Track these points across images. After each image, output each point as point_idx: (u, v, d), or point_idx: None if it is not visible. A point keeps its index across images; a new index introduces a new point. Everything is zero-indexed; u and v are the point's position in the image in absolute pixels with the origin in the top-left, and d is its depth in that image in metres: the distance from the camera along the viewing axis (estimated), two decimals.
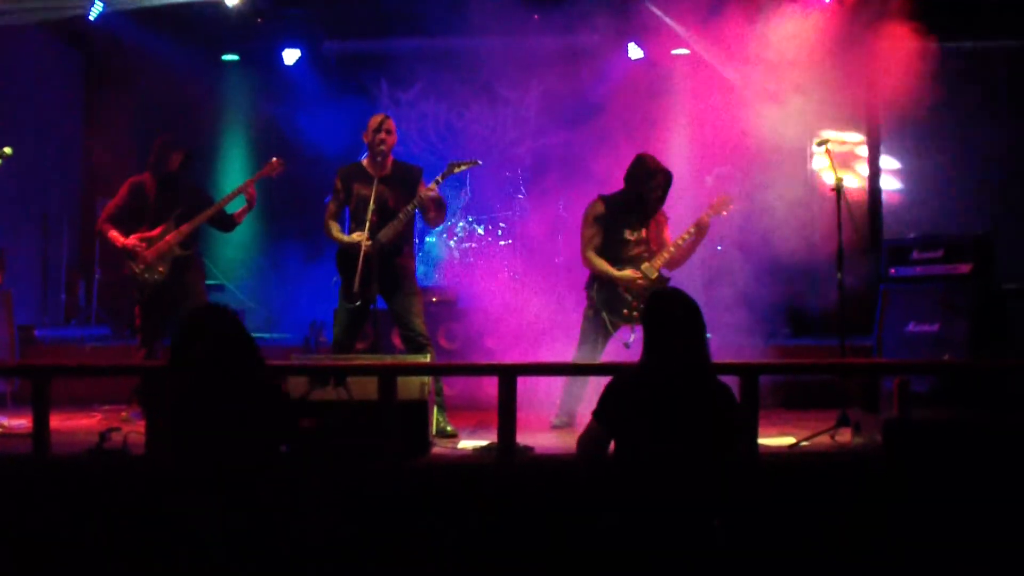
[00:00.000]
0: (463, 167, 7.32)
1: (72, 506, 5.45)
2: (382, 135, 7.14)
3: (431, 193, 7.06)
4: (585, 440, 4.56)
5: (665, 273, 7.43)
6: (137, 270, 7.71)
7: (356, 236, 7.07)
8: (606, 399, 4.48)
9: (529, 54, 11.98)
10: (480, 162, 7.67)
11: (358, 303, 7.05)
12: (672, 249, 7.35)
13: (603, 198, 7.51)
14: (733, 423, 4.43)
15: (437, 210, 7.25)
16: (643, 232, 7.45)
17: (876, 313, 8.30)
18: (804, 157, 7.87)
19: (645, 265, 7.33)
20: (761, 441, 6.01)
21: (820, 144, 7.24)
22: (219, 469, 4.10)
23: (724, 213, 7.40)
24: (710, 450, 4.31)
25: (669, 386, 4.33)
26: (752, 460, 5.69)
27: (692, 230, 7.35)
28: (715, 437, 4.33)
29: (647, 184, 7.32)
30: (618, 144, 8.79)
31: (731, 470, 4.39)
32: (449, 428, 6.92)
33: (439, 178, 7.11)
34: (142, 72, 11.55)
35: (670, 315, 4.44)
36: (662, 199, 7.43)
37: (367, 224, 6.98)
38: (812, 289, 8.86)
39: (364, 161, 7.33)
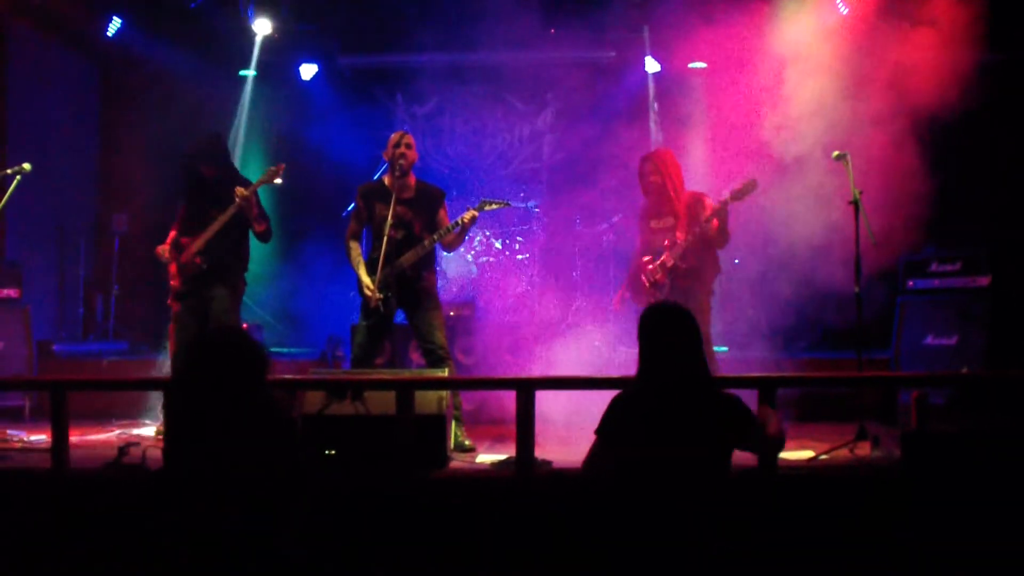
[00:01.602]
0: (494, 206, 7.39)
1: (91, 520, 5.45)
2: (402, 150, 7.15)
3: (453, 234, 7.20)
4: (590, 459, 4.50)
5: (669, 262, 7.50)
6: (171, 281, 7.71)
7: (368, 290, 7.11)
8: (607, 416, 4.44)
9: (545, 68, 12.00)
10: (511, 203, 7.85)
11: (375, 320, 7.08)
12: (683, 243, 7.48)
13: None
14: (744, 432, 4.34)
15: (459, 241, 7.36)
16: (670, 220, 7.59)
17: (894, 326, 8.26)
18: (822, 170, 7.82)
19: (664, 255, 7.49)
20: (780, 454, 5.98)
21: (838, 158, 7.21)
22: (219, 485, 4.11)
23: (745, 198, 7.41)
24: (712, 462, 4.28)
25: (667, 400, 4.28)
26: (769, 468, 5.68)
27: (711, 212, 7.44)
28: (718, 447, 4.29)
29: (641, 171, 7.72)
30: (635, 158, 8.78)
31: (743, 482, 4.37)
32: (467, 442, 6.92)
33: (466, 217, 7.13)
34: (158, 87, 11.58)
35: (664, 328, 4.38)
36: (662, 183, 7.59)
37: (384, 243, 6.99)
38: (830, 302, 8.82)
39: (385, 178, 7.33)
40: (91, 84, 12.32)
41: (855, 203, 7.04)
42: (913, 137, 7.80)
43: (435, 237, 7.14)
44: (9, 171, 7.18)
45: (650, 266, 7.59)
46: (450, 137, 12.82)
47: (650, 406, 4.31)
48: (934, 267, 8.22)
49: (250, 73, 12.14)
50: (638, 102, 11.71)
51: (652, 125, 11.60)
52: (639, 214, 7.94)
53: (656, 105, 11.55)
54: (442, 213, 7.33)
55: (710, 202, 7.55)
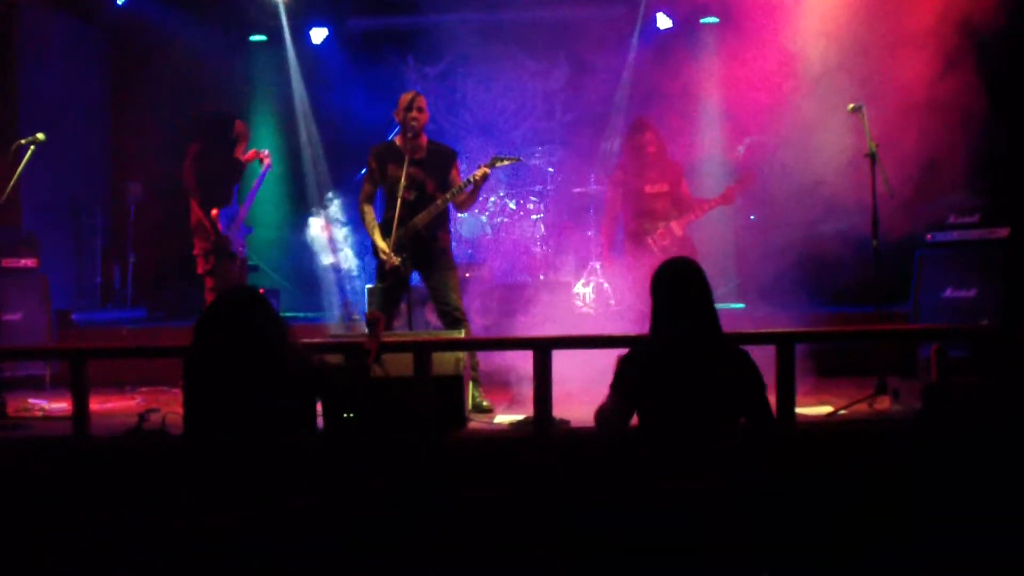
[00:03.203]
0: (505, 163, 7.34)
1: (112, 486, 5.49)
2: (414, 113, 7.10)
3: (466, 192, 7.20)
4: (603, 413, 4.54)
5: (679, 231, 8.03)
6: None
7: (383, 254, 7.09)
8: (621, 371, 4.46)
9: (557, 26, 11.93)
10: (522, 158, 7.94)
11: (391, 282, 7.08)
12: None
13: (619, 164, 8.50)
14: (755, 386, 4.36)
15: (472, 200, 7.34)
16: (664, 186, 8.05)
17: (912, 279, 8.22)
18: (838, 124, 7.75)
19: (673, 223, 8.01)
20: (799, 410, 5.97)
21: (854, 110, 7.14)
22: (243, 447, 4.13)
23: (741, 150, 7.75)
24: (727, 416, 4.31)
25: (681, 354, 4.30)
26: (783, 423, 5.69)
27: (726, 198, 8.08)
28: (733, 402, 4.32)
29: (639, 138, 8.09)
30: (648, 115, 8.73)
31: (755, 434, 4.36)
32: (485, 403, 6.93)
33: (478, 174, 7.09)
34: (169, 55, 11.54)
35: (676, 283, 4.39)
36: (659, 151, 8.08)
37: (398, 204, 6.97)
38: (847, 256, 8.76)
39: (396, 139, 7.29)
40: (102, 53, 12.30)
41: (872, 156, 6.99)
42: (932, 92, 7.70)
43: (448, 196, 7.12)
44: (23, 141, 7.17)
45: (659, 230, 8.00)
46: (462, 97, 12.76)
47: (668, 362, 4.31)
48: (952, 219, 8.15)
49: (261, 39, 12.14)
50: (651, 59, 11.62)
51: (664, 82, 11.51)
52: (625, 176, 8.23)
53: (666, 62, 11.47)
54: (454, 173, 7.30)
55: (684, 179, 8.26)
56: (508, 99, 12.75)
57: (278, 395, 4.22)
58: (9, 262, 8.82)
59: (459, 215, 11.19)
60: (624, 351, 4.52)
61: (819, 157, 8.08)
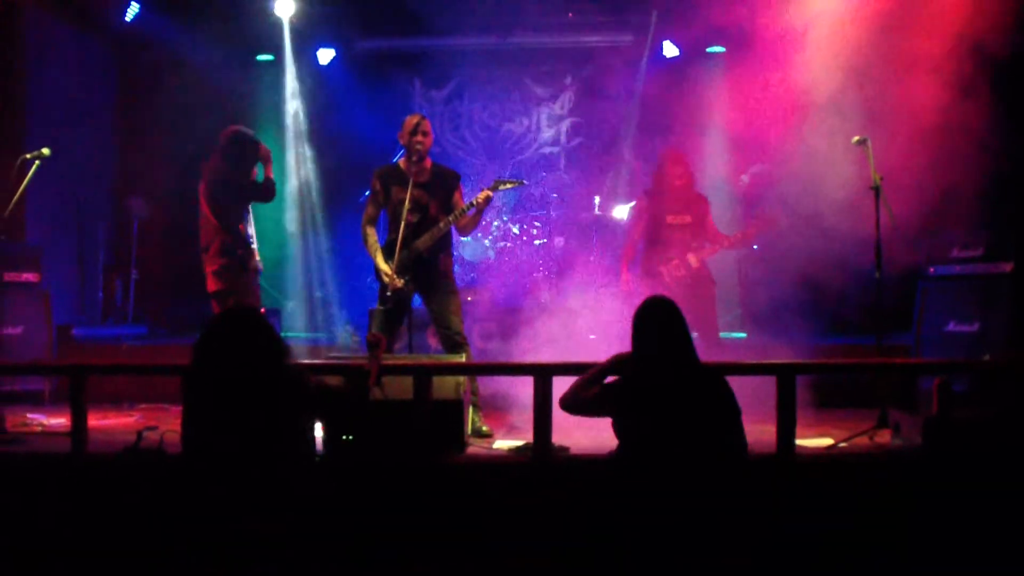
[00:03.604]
0: (508, 186, 7.36)
1: (109, 503, 5.47)
2: (419, 137, 7.08)
3: (469, 215, 7.20)
4: (585, 391, 4.85)
5: (695, 263, 8.10)
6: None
7: (386, 277, 7.08)
8: (620, 385, 4.70)
9: (564, 52, 11.96)
10: (525, 182, 7.95)
11: (392, 304, 7.08)
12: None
13: (645, 191, 8.50)
14: (732, 412, 4.58)
15: (475, 224, 7.35)
16: (687, 218, 8.13)
17: (915, 312, 8.20)
18: (842, 156, 7.75)
19: (690, 255, 8.07)
20: (799, 442, 5.95)
21: (859, 143, 7.14)
22: (241, 465, 4.12)
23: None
24: (707, 440, 4.48)
25: (671, 384, 4.55)
26: (783, 454, 5.73)
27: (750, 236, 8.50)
28: (712, 427, 4.51)
29: (668, 169, 8.19)
30: (652, 142, 8.76)
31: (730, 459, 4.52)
32: (484, 428, 6.91)
33: (480, 197, 7.09)
34: (176, 72, 11.56)
35: (666, 319, 4.71)
36: (688, 184, 8.21)
37: (402, 227, 6.97)
38: (848, 288, 8.75)
39: (400, 162, 7.29)
40: (109, 69, 12.31)
41: (876, 188, 6.99)
42: (940, 122, 7.70)
43: (451, 219, 7.12)
44: (28, 156, 7.18)
45: (674, 261, 8.07)
46: (468, 121, 12.81)
47: (654, 390, 4.54)
48: (956, 252, 8.14)
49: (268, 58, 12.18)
50: (656, 87, 11.64)
51: (670, 110, 11.53)
52: (648, 205, 8.33)
53: (672, 90, 11.49)
54: (457, 196, 7.30)
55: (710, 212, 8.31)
56: (514, 124, 12.79)
57: (276, 415, 4.21)
58: (11, 276, 8.80)
59: (462, 239, 11.21)
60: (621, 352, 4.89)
61: (823, 187, 8.08)
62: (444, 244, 7.31)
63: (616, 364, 4.88)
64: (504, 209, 11.68)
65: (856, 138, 7.15)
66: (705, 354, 6.99)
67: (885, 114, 7.85)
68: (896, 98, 7.89)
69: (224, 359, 4.23)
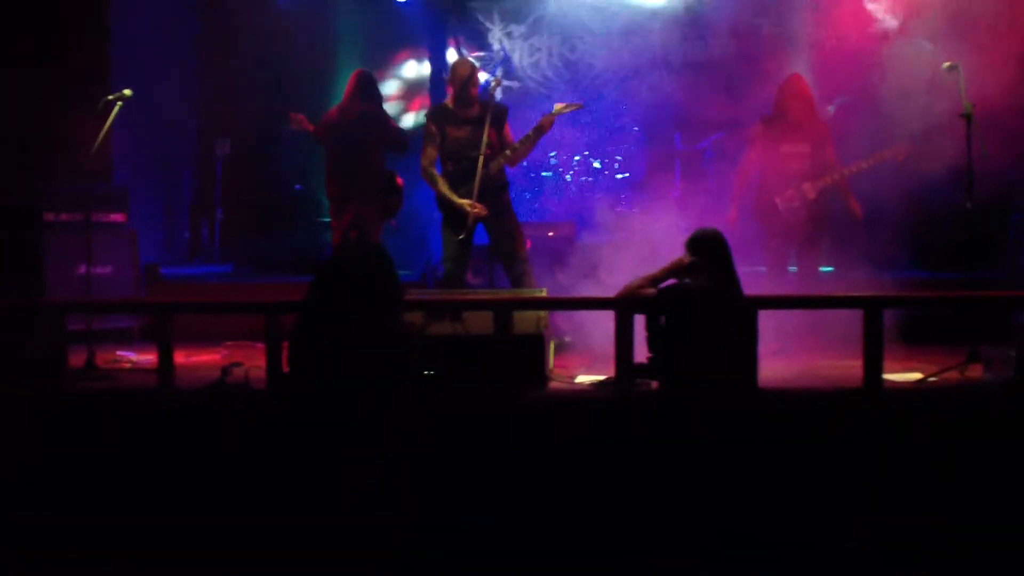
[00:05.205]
0: (567, 109, 7.48)
1: (195, 438, 5.56)
2: (471, 88, 7.38)
3: (531, 142, 7.43)
4: (643, 290, 5.60)
5: (811, 194, 7.72)
6: None
7: (468, 206, 7.19)
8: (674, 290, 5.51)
9: None
10: (583, 104, 7.92)
11: (462, 236, 7.21)
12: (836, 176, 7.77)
13: (761, 118, 8.11)
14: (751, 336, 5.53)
15: (526, 153, 7.58)
16: (805, 147, 7.75)
17: (1008, 246, 8.00)
18: (932, 84, 7.55)
19: (806, 184, 7.69)
20: (886, 376, 5.86)
21: (950, 69, 6.91)
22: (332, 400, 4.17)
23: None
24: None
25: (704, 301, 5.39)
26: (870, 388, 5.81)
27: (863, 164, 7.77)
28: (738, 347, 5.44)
29: (788, 91, 7.84)
30: (736, 72, 8.59)
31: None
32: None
33: (543, 122, 7.29)
34: (256, 13, 11.59)
35: (709, 246, 5.49)
36: (805, 107, 7.81)
37: (461, 161, 7.23)
38: (938, 220, 8.54)
39: (447, 102, 7.54)
40: (192, 8, 12.34)
41: (967, 116, 6.77)
42: None
43: (516, 146, 7.36)
44: (111, 97, 7.26)
45: (789, 191, 7.72)
46: (547, 55, 12.64)
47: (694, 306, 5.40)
48: None
49: None
50: (740, 17, 11.37)
51: (753, 41, 11.29)
52: (760, 132, 7.95)
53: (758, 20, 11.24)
54: (507, 128, 7.53)
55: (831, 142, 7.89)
56: (594, 59, 12.57)
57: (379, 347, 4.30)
58: (99, 216, 8.92)
59: (543, 173, 11.18)
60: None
61: (912, 117, 7.90)
62: (504, 177, 7.53)
63: (676, 270, 5.48)
64: (585, 145, 11.55)
65: (947, 64, 6.93)
66: (796, 287, 7.14)
67: (979, 41, 7.61)
68: (991, 23, 7.64)
69: (346, 288, 4.34)
